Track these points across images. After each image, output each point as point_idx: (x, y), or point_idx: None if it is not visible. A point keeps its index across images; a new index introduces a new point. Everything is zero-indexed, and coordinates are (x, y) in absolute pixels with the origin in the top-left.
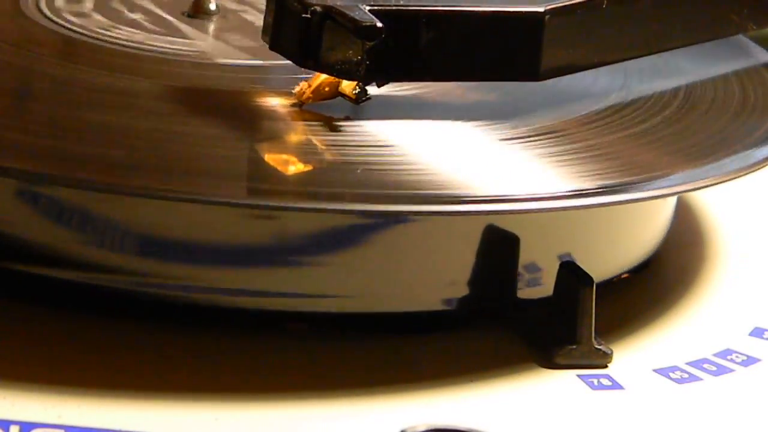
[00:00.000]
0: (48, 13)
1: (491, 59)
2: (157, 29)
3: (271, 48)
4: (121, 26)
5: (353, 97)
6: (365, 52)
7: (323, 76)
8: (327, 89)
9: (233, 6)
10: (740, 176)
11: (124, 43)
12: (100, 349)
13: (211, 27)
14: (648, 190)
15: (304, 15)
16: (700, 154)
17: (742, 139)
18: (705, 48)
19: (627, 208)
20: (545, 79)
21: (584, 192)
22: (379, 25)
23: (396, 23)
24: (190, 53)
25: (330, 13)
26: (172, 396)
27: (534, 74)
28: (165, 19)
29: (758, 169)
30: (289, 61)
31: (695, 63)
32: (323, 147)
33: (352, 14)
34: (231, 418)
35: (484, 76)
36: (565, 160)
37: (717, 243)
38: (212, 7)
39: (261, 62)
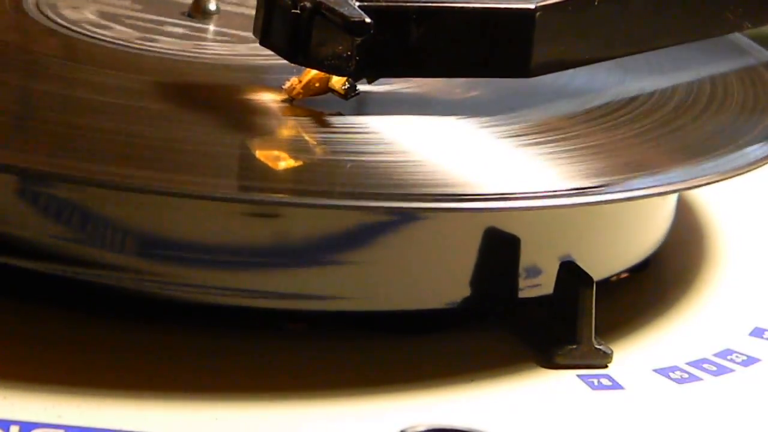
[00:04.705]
0: (49, 12)
1: (481, 56)
2: (157, 29)
3: (262, 44)
4: (120, 26)
5: (343, 92)
6: (355, 48)
7: (313, 72)
8: (317, 85)
9: (233, 6)
10: (740, 174)
11: (124, 42)
12: (100, 349)
13: (211, 27)
14: (647, 187)
15: (293, 11)
16: (700, 151)
17: (741, 137)
18: (704, 46)
19: (627, 206)
20: (535, 76)
21: (585, 190)
22: (368, 20)
23: (386, 19)
24: (189, 53)
25: (319, 8)
26: (172, 396)
27: (524, 71)
28: (164, 19)
29: (758, 166)
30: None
31: (694, 61)
32: (321, 144)
33: (341, 10)
34: (231, 418)
35: (474, 73)
36: (564, 158)
37: (717, 243)
38: (212, 7)
39: (260, 62)
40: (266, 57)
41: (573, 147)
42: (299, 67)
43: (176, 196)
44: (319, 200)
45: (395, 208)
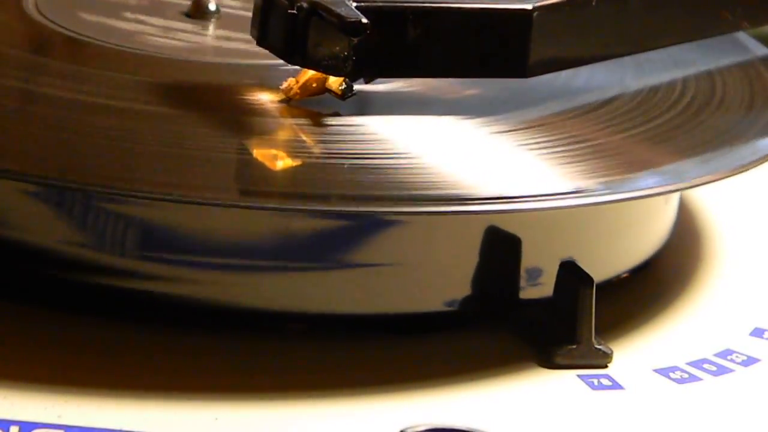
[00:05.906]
0: (49, 13)
1: (478, 56)
2: (157, 29)
3: (259, 44)
4: (120, 26)
5: (340, 93)
6: (352, 48)
7: (311, 72)
8: (314, 85)
9: (233, 6)
10: (740, 172)
11: (123, 43)
12: (100, 349)
13: (211, 27)
14: (648, 188)
15: (290, 11)
16: (700, 151)
17: (742, 136)
18: (704, 44)
19: (628, 207)
20: (532, 76)
21: (585, 191)
22: (365, 21)
23: (382, 19)
24: (189, 53)
25: (316, 8)
26: (172, 396)
27: (521, 71)
28: (165, 19)
29: (759, 164)
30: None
31: (694, 60)
32: (319, 145)
33: (337, 10)
34: (231, 418)
35: (471, 73)
36: (564, 158)
37: (717, 243)
38: (212, 7)
39: (258, 62)
40: (264, 57)
41: (573, 147)
42: (297, 67)
43: (172, 202)
44: (318, 206)
45: (396, 212)
